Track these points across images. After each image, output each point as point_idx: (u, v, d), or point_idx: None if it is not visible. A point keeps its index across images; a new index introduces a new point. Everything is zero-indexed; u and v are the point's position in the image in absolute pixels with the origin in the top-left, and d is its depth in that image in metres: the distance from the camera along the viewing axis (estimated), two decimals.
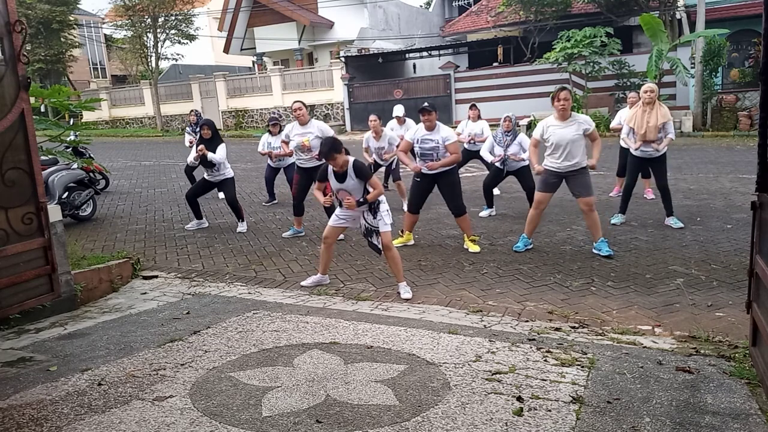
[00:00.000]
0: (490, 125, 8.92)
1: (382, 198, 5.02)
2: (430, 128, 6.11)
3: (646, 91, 6.74)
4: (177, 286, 5.56)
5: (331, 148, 4.81)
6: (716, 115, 16.96)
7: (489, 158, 7.77)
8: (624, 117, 8.11)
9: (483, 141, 8.48)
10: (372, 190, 4.89)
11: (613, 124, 8.59)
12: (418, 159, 6.33)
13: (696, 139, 15.70)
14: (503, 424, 2.74)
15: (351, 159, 4.93)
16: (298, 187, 7.12)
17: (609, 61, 17.71)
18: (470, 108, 9.02)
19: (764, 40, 3.04)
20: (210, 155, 7.24)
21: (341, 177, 4.93)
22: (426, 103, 6.20)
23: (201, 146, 7.27)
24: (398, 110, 9.37)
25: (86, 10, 34.00)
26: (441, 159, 6.11)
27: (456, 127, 9.43)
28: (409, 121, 9.20)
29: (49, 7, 26.72)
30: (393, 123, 9.38)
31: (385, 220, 4.97)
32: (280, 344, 3.80)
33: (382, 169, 9.11)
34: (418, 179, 6.37)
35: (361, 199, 4.90)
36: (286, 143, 7.12)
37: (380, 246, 5.02)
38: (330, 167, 4.99)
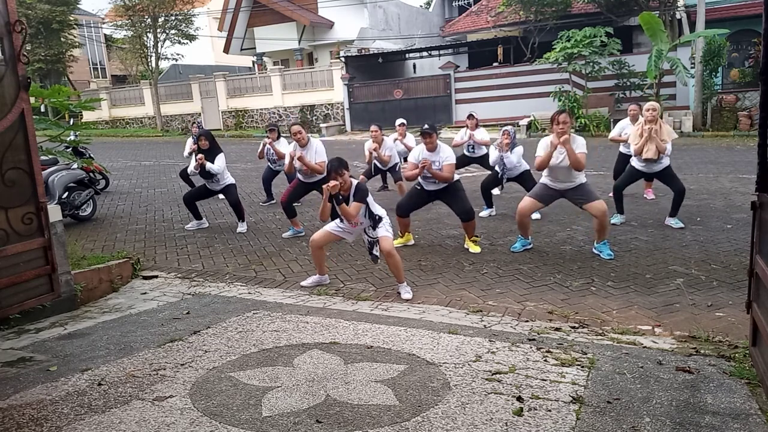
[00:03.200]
0: (490, 125, 8.93)
1: (384, 214, 5.12)
2: (432, 149, 6.21)
3: (648, 110, 6.66)
4: (177, 286, 5.56)
5: (340, 164, 4.94)
6: (716, 115, 16.95)
7: (493, 157, 7.74)
8: (624, 128, 8.08)
9: (485, 144, 8.49)
10: (347, 207, 4.96)
11: (613, 134, 8.43)
12: (420, 179, 6.37)
13: (696, 139, 15.70)
14: (503, 424, 2.74)
15: (354, 182, 5.06)
16: (291, 192, 7.15)
17: (609, 61, 17.69)
18: (468, 118, 8.90)
19: (764, 40, 3.04)
20: (209, 165, 7.24)
21: (345, 199, 5.02)
22: (426, 125, 6.29)
23: (200, 156, 7.27)
24: (401, 120, 9.76)
25: (86, 10, 33.97)
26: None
27: (456, 127, 9.53)
28: (410, 135, 9.57)
29: (49, 7, 26.68)
30: (395, 137, 9.51)
31: (386, 227, 5.08)
32: (280, 344, 3.80)
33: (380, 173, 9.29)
34: (419, 188, 6.42)
35: (344, 201, 4.96)
36: (290, 165, 7.16)
37: (379, 255, 5.07)
38: None
